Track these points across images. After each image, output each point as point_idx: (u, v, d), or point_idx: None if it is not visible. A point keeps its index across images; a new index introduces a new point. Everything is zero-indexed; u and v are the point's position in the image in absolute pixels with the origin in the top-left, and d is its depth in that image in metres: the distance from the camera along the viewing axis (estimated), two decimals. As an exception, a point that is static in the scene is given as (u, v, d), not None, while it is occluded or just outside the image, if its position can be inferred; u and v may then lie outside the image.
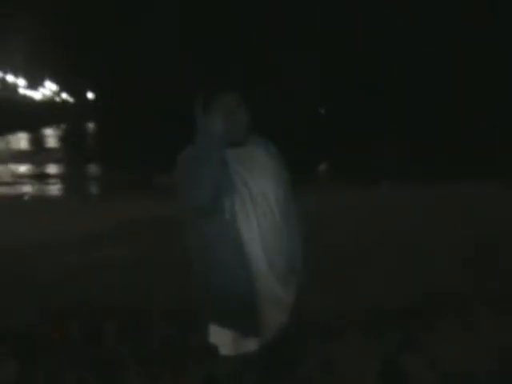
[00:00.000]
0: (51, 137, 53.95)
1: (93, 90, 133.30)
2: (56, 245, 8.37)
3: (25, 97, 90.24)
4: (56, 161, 29.27)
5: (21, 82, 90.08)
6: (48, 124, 72.12)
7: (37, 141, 48.01)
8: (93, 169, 25.99)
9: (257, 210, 2.57)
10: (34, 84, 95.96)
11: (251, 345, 2.65)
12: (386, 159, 22.86)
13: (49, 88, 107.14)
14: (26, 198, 17.05)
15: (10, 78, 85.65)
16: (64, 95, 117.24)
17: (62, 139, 50.84)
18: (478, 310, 5.05)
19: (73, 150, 36.72)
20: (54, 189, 20.42)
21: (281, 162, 2.74)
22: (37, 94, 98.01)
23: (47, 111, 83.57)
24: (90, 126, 78.88)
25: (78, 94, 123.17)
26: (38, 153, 35.02)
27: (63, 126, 74.05)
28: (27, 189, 18.74)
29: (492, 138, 29.50)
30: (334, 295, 5.47)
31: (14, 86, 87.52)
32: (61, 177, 23.54)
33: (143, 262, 7.24)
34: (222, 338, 2.67)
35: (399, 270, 6.40)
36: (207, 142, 2.44)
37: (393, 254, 7.08)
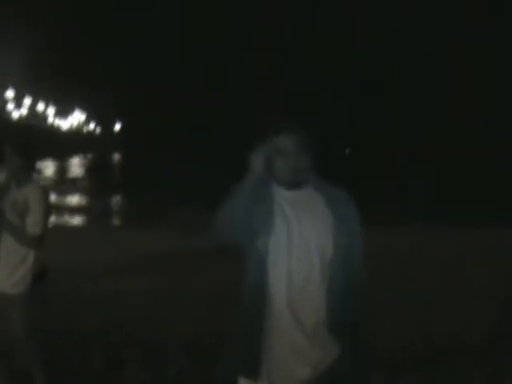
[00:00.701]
0: (77, 166, 54.61)
1: (120, 121, 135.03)
2: (78, 272, 8.49)
3: (53, 125, 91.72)
4: (80, 190, 29.67)
5: (50, 110, 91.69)
6: (75, 153, 73.15)
7: (63, 170, 48.65)
8: (117, 199, 26.20)
9: (291, 255, 2.47)
10: (63, 113, 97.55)
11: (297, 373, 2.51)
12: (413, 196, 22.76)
13: (77, 117, 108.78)
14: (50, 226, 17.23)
15: (40, 106, 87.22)
16: (92, 125, 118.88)
17: (88, 169, 51.40)
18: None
19: (98, 180, 37.08)
20: (78, 218, 20.66)
21: (348, 212, 2.58)
22: (65, 123, 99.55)
23: (74, 140, 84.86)
24: (116, 156, 79.74)
25: (106, 124, 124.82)
26: (63, 182, 35.51)
27: (89, 156, 74.97)
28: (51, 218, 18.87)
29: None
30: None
31: (44, 115, 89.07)
32: (85, 207, 23.79)
33: (163, 294, 7.32)
34: None
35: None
36: (247, 180, 2.48)
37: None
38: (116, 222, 20.97)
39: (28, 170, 4.11)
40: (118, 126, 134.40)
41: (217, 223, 2.54)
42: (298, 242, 2.47)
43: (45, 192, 4.18)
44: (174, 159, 50.26)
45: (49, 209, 4.23)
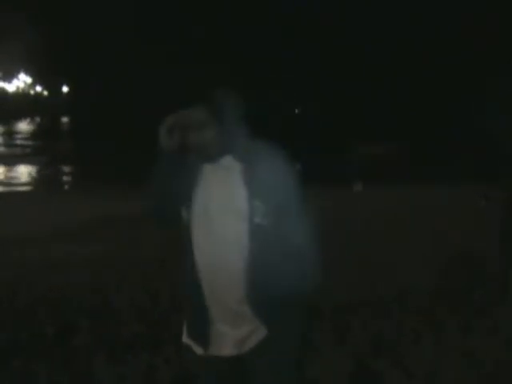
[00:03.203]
0: (24, 130, 53.31)
1: (67, 84, 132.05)
2: (30, 238, 8.31)
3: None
4: (28, 155, 28.98)
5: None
6: (22, 117, 71.29)
7: (9, 133, 47.41)
8: (67, 164, 25.72)
9: (208, 226, 2.43)
10: (7, 76, 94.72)
11: (221, 350, 2.47)
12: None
13: (23, 80, 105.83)
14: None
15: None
16: (38, 88, 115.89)
17: (36, 134, 50.23)
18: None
19: (46, 145, 36.31)
20: (25, 185, 20.21)
21: (272, 176, 2.38)
22: (11, 86, 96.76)
23: (21, 104, 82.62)
24: (64, 120, 78.15)
25: (53, 87, 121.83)
26: (9, 146, 34.64)
27: (37, 120, 73.27)
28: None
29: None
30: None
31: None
32: (34, 172, 23.29)
33: (117, 257, 7.23)
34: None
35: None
36: (159, 159, 2.44)
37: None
38: (62, 188, 20.58)
39: None
40: (65, 89, 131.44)
41: (146, 210, 2.53)
42: (215, 214, 2.42)
43: None
44: (122, 123, 49.36)
45: None
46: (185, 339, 2.59)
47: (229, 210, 2.40)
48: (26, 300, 5.69)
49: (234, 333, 2.44)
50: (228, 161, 2.43)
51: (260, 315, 2.41)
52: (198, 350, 2.51)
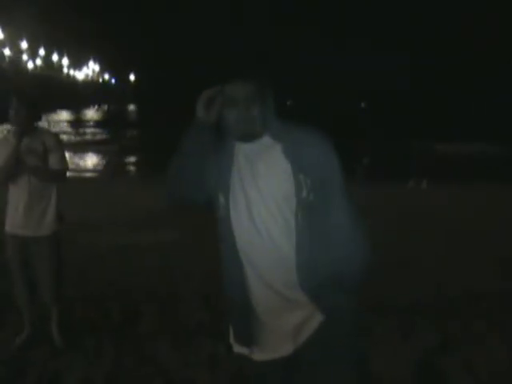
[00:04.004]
0: (92, 118, 54.60)
1: (135, 72, 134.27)
2: (94, 226, 8.51)
3: (68, 76, 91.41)
4: (95, 143, 29.65)
5: (65, 61, 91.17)
6: (90, 104, 73.06)
7: (78, 122, 48.65)
8: (134, 152, 26.14)
9: (250, 210, 2.30)
10: (77, 64, 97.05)
11: (276, 350, 2.37)
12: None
13: (92, 68, 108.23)
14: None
15: (54, 57, 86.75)
16: (106, 76, 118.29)
17: (103, 121, 51.31)
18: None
19: (113, 133, 37.02)
20: (93, 171, 20.69)
21: (315, 156, 2.30)
22: (80, 74, 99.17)
23: (90, 91, 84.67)
24: (131, 108, 79.61)
25: (121, 75, 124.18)
26: (77, 134, 35.56)
27: (104, 107, 74.90)
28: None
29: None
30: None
31: (59, 65, 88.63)
32: (101, 160, 23.77)
33: (181, 247, 7.33)
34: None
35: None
36: (191, 130, 2.32)
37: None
38: (130, 175, 20.96)
39: (34, 119, 4.23)
40: (132, 77, 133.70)
41: (167, 187, 2.42)
42: (256, 197, 2.29)
43: (59, 136, 4.54)
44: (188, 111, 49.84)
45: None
46: (236, 349, 2.48)
47: (274, 190, 2.28)
48: (96, 282, 5.86)
49: (286, 324, 2.33)
50: (266, 140, 2.34)
51: (315, 299, 2.30)
52: (254, 355, 2.41)
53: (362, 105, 78.37)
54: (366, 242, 2.36)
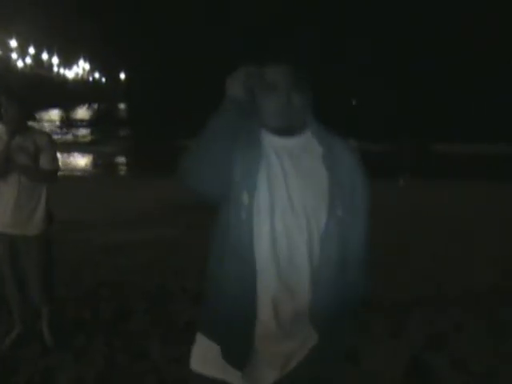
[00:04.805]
0: (82, 117, 54.43)
1: (125, 71, 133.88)
2: (90, 224, 8.49)
3: (58, 75, 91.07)
4: (86, 142, 29.56)
5: (55, 60, 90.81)
6: (81, 103, 72.81)
7: (68, 120, 48.48)
8: (125, 151, 26.07)
9: (273, 215, 1.96)
10: (67, 62, 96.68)
11: (265, 377, 2.08)
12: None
13: (82, 67, 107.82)
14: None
15: (44, 56, 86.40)
16: (96, 75, 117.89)
17: (93, 120, 51.17)
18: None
19: (104, 131, 36.91)
20: (85, 170, 20.62)
21: (351, 172, 2.03)
22: (70, 73, 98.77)
23: (80, 90, 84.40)
24: (121, 106, 79.43)
25: (111, 73, 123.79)
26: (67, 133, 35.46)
27: (94, 106, 74.66)
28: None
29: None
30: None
31: (49, 64, 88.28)
32: (92, 158, 23.69)
33: (172, 244, 7.33)
34: (200, 350, 2.18)
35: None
36: (223, 108, 1.92)
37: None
38: (124, 172, 20.91)
39: (25, 118, 4.20)
40: (122, 76, 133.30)
41: (187, 166, 1.97)
42: (283, 203, 1.96)
43: (52, 136, 4.47)
44: (181, 109, 49.80)
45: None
46: (208, 371, 2.11)
47: (307, 199, 1.96)
48: (88, 281, 5.85)
49: (279, 354, 2.06)
50: (307, 138, 2.03)
51: (317, 323, 2.03)
52: (234, 379, 2.06)
53: (353, 102, 78.37)
54: (370, 274, 2.11)
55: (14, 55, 73.81)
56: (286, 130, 2.01)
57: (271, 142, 2.02)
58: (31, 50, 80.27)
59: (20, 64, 74.72)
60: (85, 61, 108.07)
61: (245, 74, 1.92)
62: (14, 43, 72.90)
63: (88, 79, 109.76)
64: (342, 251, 2.00)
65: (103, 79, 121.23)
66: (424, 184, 14.91)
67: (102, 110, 67.76)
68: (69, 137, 33.45)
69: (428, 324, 4.82)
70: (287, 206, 1.96)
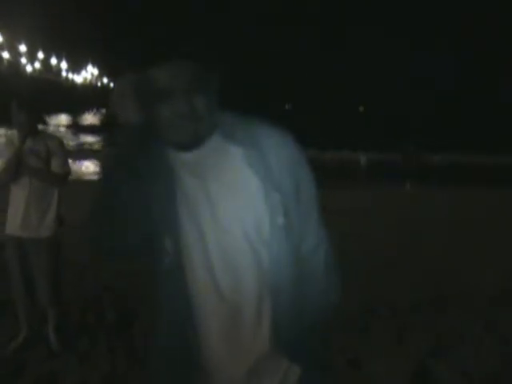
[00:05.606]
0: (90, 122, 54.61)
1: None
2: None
3: (67, 80, 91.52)
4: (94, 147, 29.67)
5: (63, 65, 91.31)
6: (89, 108, 73.13)
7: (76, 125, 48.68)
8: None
9: (208, 254, 1.62)
10: (76, 67, 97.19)
11: None
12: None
13: (90, 72, 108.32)
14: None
15: (53, 60, 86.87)
16: (105, 80, 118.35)
17: (101, 125, 51.38)
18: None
19: (111, 137, 37.01)
20: (92, 174, 20.70)
21: (286, 164, 1.65)
22: (79, 78, 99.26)
23: (88, 95, 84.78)
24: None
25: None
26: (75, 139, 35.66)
27: (102, 111, 74.95)
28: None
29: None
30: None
31: (57, 69, 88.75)
32: (99, 164, 23.76)
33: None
34: None
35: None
36: (122, 145, 1.62)
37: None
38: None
39: (36, 122, 4.27)
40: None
41: (91, 228, 1.66)
42: (214, 230, 1.62)
43: (63, 140, 4.52)
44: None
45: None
46: None
47: (240, 216, 1.61)
48: (93, 285, 5.89)
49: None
50: (216, 143, 1.62)
51: (289, 353, 1.69)
52: None
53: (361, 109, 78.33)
54: (338, 278, 1.79)
55: (24, 60, 74.24)
56: (193, 142, 1.59)
57: (180, 160, 1.63)
58: (40, 55, 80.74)
59: (29, 69, 75.16)
60: (93, 66, 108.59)
61: (127, 85, 1.58)
62: (23, 48, 73.38)
63: (96, 84, 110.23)
64: (298, 258, 1.68)
65: (111, 84, 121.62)
66: (426, 190, 14.97)
67: (110, 115, 67.94)
68: (78, 142, 33.64)
69: (429, 328, 4.83)
70: (219, 231, 1.62)
